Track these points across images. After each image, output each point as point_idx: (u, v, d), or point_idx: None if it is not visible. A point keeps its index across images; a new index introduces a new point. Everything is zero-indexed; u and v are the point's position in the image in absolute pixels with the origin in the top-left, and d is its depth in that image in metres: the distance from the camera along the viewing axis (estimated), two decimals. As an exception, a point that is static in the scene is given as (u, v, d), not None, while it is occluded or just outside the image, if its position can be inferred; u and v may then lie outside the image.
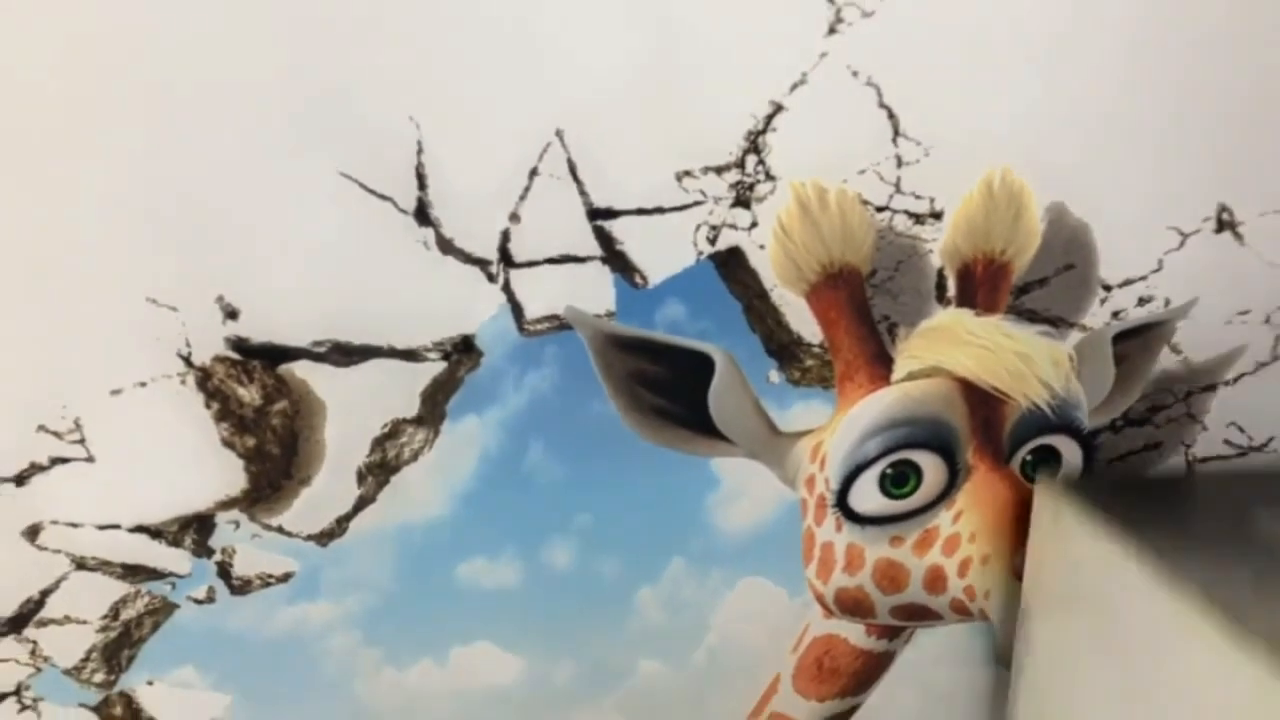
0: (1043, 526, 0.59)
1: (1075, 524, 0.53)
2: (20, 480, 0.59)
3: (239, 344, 0.58)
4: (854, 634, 0.69)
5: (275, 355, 0.59)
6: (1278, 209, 0.67)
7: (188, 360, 0.57)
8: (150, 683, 0.65)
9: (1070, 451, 0.65)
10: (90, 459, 0.58)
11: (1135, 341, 0.69)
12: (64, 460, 0.59)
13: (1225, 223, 0.65)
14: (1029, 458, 0.64)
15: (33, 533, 0.60)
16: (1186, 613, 0.39)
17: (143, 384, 0.57)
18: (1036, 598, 0.59)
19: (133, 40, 0.51)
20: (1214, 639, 0.36)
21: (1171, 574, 0.41)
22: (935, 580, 0.63)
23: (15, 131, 0.51)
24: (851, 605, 0.66)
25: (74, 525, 0.60)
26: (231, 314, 0.57)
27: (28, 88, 0.50)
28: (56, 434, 0.58)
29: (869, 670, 0.71)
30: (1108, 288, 0.68)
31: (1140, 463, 0.73)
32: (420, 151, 0.57)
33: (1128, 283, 0.68)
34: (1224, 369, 0.70)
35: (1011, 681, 0.63)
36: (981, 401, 0.62)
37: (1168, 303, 0.69)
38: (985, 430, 0.62)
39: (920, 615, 0.65)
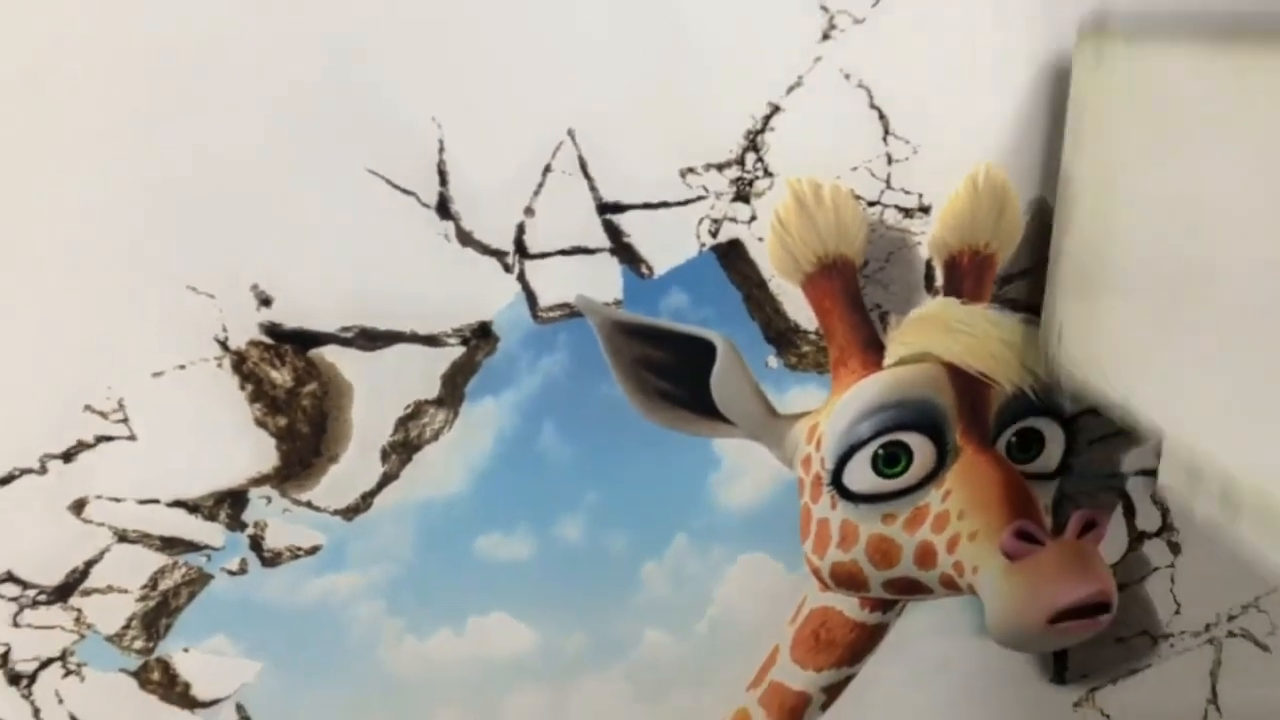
0: (1084, 68, 0.60)
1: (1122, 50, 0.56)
2: (68, 457, 0.61)
3: (272, 329, 0.61)
4: (849, 607, 0.72)
5: (306, 340, 0.62)
6: None
7: (224, 345, 0.60)
8: (186, 650, 0.68)
9: (1053, 434, 0.68)
10: (133, 437, 0.61)
11: None
12: (108, 439, 0.61)
13: None
14: (1014, 439, 0.67)
15: (78, 506, 0.63)
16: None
17: (181, 367, 0.60)
18: (1078, 138, 0.60)
19: (171, 38, 0.54)
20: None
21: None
22: (925, 555, 0.65)
23: (59, 121, 0.54)
24: (846, 579, 0.69)
25: (116, 500, 0.63)
26: (265, 301, 0.60)
27: (71, 78, 0.54)
28: (102, 414, 0.60)
29: (863, 642, 0.73)
30: None
31: (1120, 444, 0.74)
32: (442, 150, 0.59)
33: None
34: None
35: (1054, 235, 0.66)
36: (968, 386, 0.65)
37: None
38: (972, 413, 0.65)
39: (911, 589, 0.68)
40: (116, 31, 0.54)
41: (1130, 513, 0.78)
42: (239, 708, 0.69)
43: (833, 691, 0.75)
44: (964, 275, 0.68)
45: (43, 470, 0.62)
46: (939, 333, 0.66)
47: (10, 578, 0.63)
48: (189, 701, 0.68)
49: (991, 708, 0.80)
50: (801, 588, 0.72)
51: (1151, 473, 0.76)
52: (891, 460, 0.65)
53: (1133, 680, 0.83)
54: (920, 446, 0.65)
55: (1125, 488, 0.77)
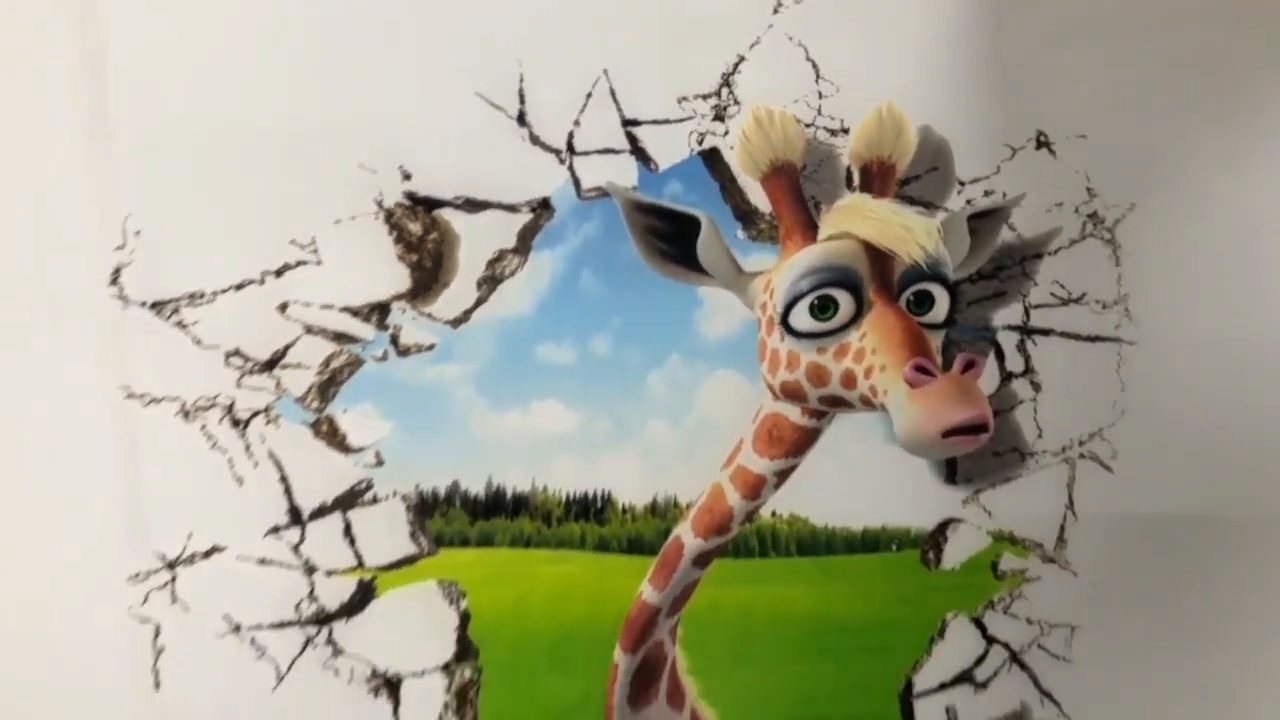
0: None
1: None
2: (279, 273, 0.79)
3: (410, 195, 0.77)
4: (793, 414, 0.81)
5: (431, 204, 0.78)
6: (1080, 134, 0.81)
7: (380, 204, 0.77)
8: (345, 411, 0.81)
9: (940, 295, 0.77)
10: (320, 263, 0.78)
11: (983, 221, 0.80)
12: (304, 263, 0.78)
13: (1043, 143, 0.81)
14: (911, 298, 0.76)
15: (282, 308, 0.79)
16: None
17: (353, 218, 0.78)
18: None
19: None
20: None
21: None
22: (848, 380, 0.75)
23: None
24: (791, 393, 0.78)
25: (306, 305, 0.80)
26: (407, 177, 0.77)
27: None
28: (301, 246, 0.78)
29: (804, 440, 0.83)
30: (962, 184, 0.82)
31: (990, 306, 0.85)
32: (521, 81, 0.76)
33: (975, 180, 0.82)
34: (1047, 243, 0.83)
35: None
36: (878, 257, 0.74)
37: (1005, 195, 0.82)
38: (881, 277, 0.75)
39: (839, 404, 0.77)
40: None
41: (1000, 358, 0.87)
42: (377, 454, 0.84)
43: (782, 475, 0.85)
44: (873, 178, 0.78)
45: (261, 282, 0.80)
46: (856, 218, 0.76)
47: (238, 353, 0.81)
48: (345, 448, 0.83)
49: (902, 498, 0.89)
50: (760, 398, 0.82)
51: (1017, 328, 0.86)
52: (823, 308, 0.74)
53: (1008, 486, 0.90)
54: (844, 299, 0.74)
55: (996, 339, 0.87)
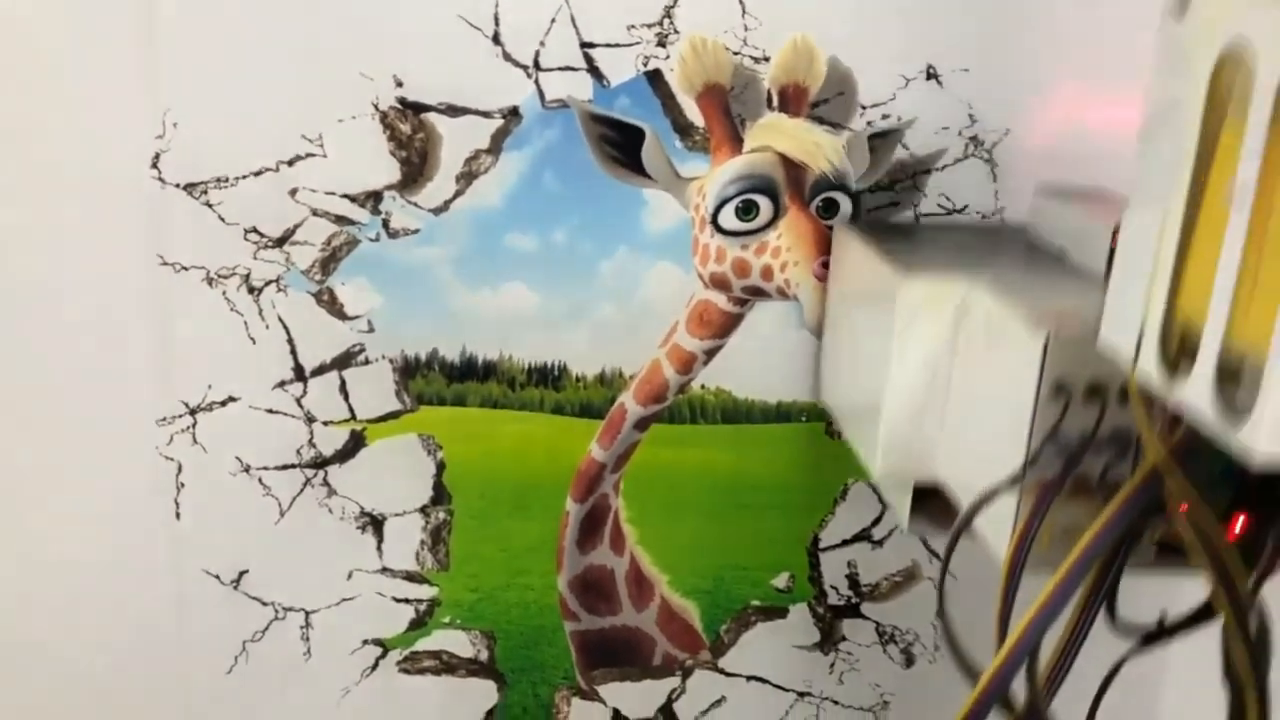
0: (840, 247, 0.87)
1: (856, 244, 0.83)
2: (290, 163, 0.91)
3: (402, 100, 0.89)
4: (721, 300, 0.94)
5: (419, 108, 0.90)
6: (964, 68, 0.93)
7: (376, 106, 0.89)
8: (343, 283, 0.94)
9: (844, 202, 0.91)
10: (325, 156, 0.91)
11: (882, 140, 0.93)
12: (312, 155, 0.90)
13: (932, 74, 0.94)
14: (820, 204, 0.88)
15: (292, 192, 0.91)
16: (891, 273, 0.72)
17: (354, 117, 0.89)
18: (835, 295, 0.91)
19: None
20: (887, 271, 0.71)
21: (893, 260, 0.77)
22: (767, 273, 0.89)
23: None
24: (719, 283, 0.91)
25: (312, 191, 0.92)
26: (399, 84, 0.89)
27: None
28: (310, 140, 0.90)
29: (730, 324, 0.96)
30: (864, 107, 0.94)
31: (886, 214, 0.97)
32: (496, 6, 0.87)
33: (875, 105, 0.94)
34: (934, 161, 0.96)
35: (820, 350, 0.97)
36: (793, 168, 0.86)
37: (899, 119, 0.94)
38: (795, 185, 0.87)
39: (759, 293, 0.90)
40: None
41: None
42: (369, 322, 0.96)
43: (710, 353, 0.98)
44: (789, 100, 0.87)
45: (276, 170, 0.91)
46: (775, 134, 0.87)
47: (255, 230, 0.94)
48: (342, 315, 0.96)
49: (810, 376, 1.00)
50: (693, 286, 0.94)
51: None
52: (746, 210, 0.86)
53: None
54: (764, 204, 0.86)
55: None
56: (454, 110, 0.92)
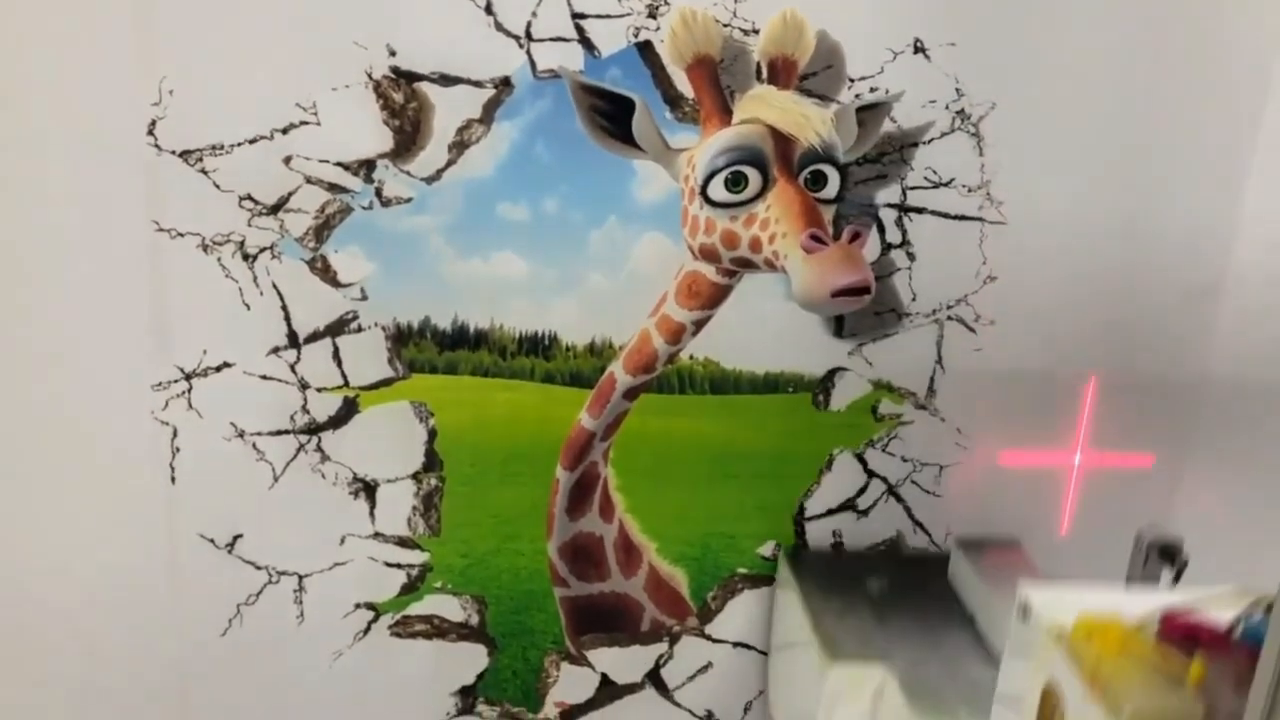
0: (780, 608, 1.01)
1: (797, 609, 0.94)
2: (285, 131, 0.93)
3: (395, 69, 0.91)
4: (710, 272, 0.97)
5: (412, 78, 0.92)
6: (951, 42, 0.94)
7: (370, 75, 0.92)
8: (336, 251, 0.96)
9: (833, 175, 0.91)
10: (319, 124, 0.93)
11: (869, 113, 0.93)
12: (306, 123, 0.93)
13: (919, 48, 0.94)
14: (808, 176, 0.90)
15: (286, 160, 0.93)
16: (814, 647, 0.84)
17: (347, 86, 0.92)
18: (778, 637, 1.04)
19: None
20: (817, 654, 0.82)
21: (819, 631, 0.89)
22: (755, 244, 0.89)
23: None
24: (708, 254, 0.93)
25: (306, 158, 0.94)
26: (393, 54, 0.91)
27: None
28: (304, 108, 0.92)
29: (718, 295, 0.98)
30: (852, 81, 0.95)
31: (875, 186, 0.99)
32: None
33: (864, 78, 0.95)
34: (921, 134, 0.97)
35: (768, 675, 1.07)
36: (781, 140, 0.87)
37: (888, 92, 0.95)
38: (783, 158, 0.89)
39: (747, 265, 0.92)
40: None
41: (882, 231, 1.01)
42: (362, 290, 0.98)
43: (699, 324, 1.00)
44: (778, 72, 0.90)
45: (271, 138, 0.94)
46: (764, 106, 0.88)
47: (250, 197, 0.96)
48: (335, 283, 0.98)
49: (797, 348, 1.04)
50: (682, 257, 0.97)
51: (896, 206, 1.00)
52: (735, 181, 0.87)
53: (887, 341, 1.05)
54: (753, 175, 0.87)
55: (878, 214, 1.00)
56: (446, 80, 0.94)
